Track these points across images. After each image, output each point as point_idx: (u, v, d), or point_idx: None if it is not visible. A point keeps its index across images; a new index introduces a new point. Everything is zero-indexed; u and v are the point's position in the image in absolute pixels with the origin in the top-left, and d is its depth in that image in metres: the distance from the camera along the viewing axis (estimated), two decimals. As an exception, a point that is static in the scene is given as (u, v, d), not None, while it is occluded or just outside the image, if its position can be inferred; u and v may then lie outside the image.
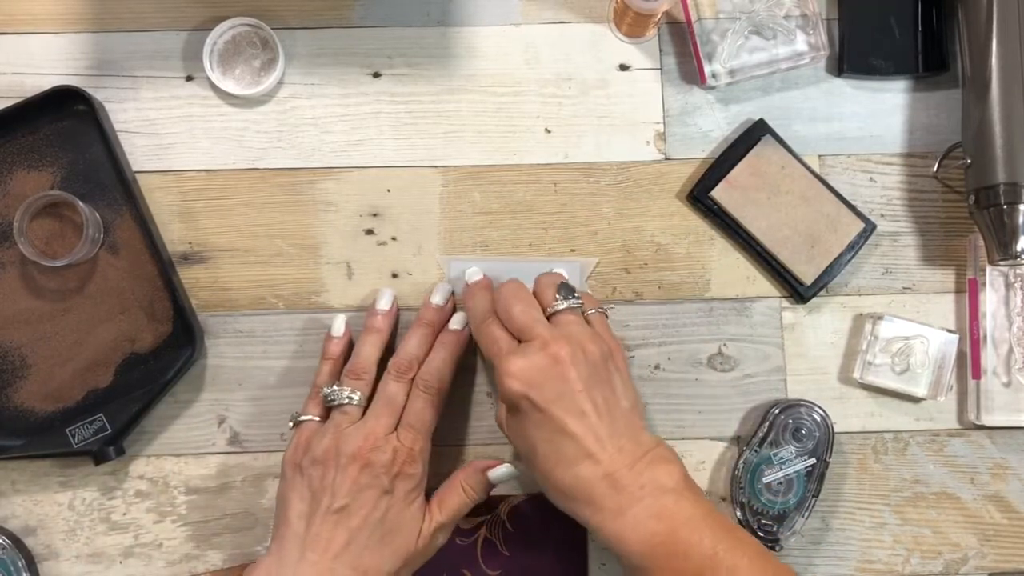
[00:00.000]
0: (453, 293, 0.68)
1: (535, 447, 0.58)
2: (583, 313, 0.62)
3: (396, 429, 0.62)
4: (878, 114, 0.72)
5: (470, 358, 0.69)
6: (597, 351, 0.59)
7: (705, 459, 0.70)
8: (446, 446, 0.69)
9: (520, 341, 0.60)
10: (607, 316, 0.66)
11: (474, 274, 0.66)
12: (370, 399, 0.63)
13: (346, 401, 0.62)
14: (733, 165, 0.70)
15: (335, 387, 0.63)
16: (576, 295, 0.62)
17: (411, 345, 0.65)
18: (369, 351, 0.65)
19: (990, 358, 0.69)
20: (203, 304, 0.69)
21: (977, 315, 0.70)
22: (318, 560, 0.58)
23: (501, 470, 0.64)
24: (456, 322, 0.67)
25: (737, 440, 0.70)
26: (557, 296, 0.61)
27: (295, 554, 0.59)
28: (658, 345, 0.70)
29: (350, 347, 0.67)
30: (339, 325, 0.67)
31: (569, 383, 0.57)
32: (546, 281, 0.63)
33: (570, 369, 0.57)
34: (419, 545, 0.61)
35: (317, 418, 0.64)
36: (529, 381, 0.57)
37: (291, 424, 0.64)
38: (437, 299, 0.67)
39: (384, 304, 0.67)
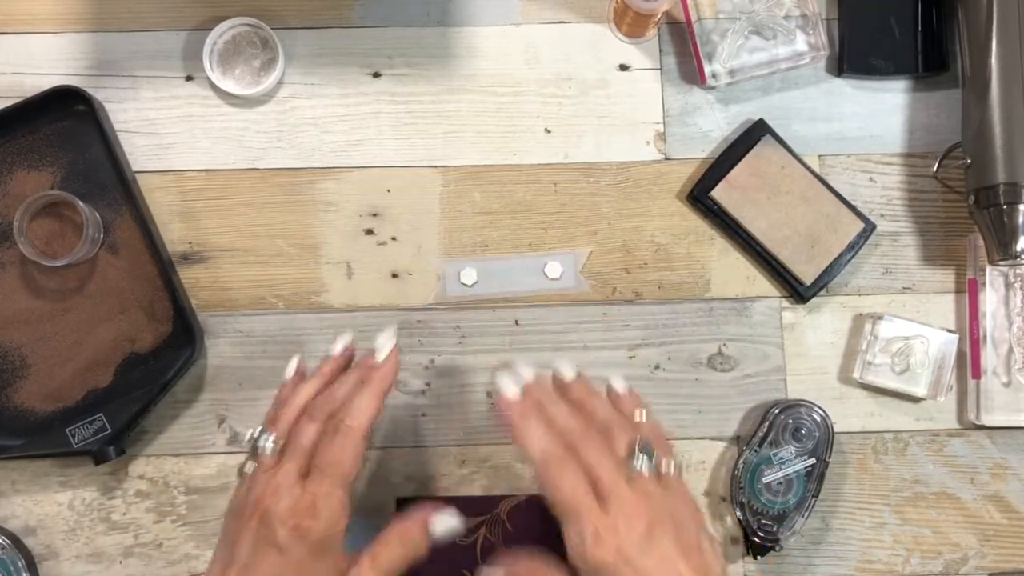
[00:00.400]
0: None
1: None
2: (660, 471, 0.56)
3: (312, 476, 0.55)
4: (878, 114, 0.72)
5: (468, 357, 0.69)
6: (683, 514, 0.54)
7: (705, 459, 0.70)
8: (445, 446, 0.69)
9: (596, 494, 0.53)
10: (682, 469, 0.59)
11: (508, 387, 0.57)
12: None
13: (260, 445, 0.56)
14: (733, 165, 0.70)
15: (258, 429, 0.57)
16: (651, 451, 0.55)
17: (336, 388, 0.58)
18: (299, 394, 0.59)
19: (990, 358, 0.69)
20: (203, 304, 0.69)
21: (977, 315, 0.70)
22: None
23: (445, 521, 0.57)
24: (381, 351, 0.59)
25: (737, 440, 0.70)
26: (637, 454, 0.54)
27: None
28: (658, 345, 0.70)
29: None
30: (290, 368, 0.62)
31: (662, 552, 0.52)
32: (620, 425, 0.56)
33: (662, 536, 0.52)
34: None
35: (255, 464, 0.57)
36: (626, 551, 0.51)
37: (238, 480, 0.59)
38: (381, 356, 0.60)
39: (335, 349, 0.62)
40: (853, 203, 0.70)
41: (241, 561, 0.53)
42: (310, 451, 0.56)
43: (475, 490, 0.68)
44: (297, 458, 0.55)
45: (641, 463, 0.54)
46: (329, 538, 0.54)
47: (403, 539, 0.56)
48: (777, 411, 0.68)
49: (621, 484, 0.53)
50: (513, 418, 0.56)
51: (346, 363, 0.62)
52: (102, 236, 0.68)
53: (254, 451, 0.56)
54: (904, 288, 0.71)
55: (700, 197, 0.70)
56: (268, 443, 0.56)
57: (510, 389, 0.57)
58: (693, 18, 0.70)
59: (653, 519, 0.53)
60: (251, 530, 0.53)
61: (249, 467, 0.57)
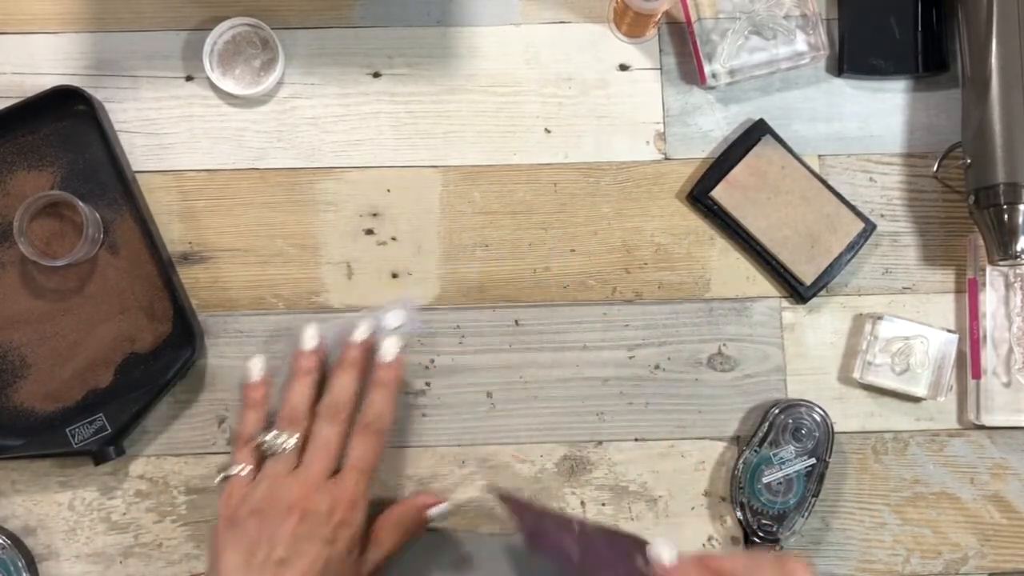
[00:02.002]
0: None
1: None
2: None
3: (336, 473, 0.60)
4: (878, 114, 0.72)
5: (468, 357, 0.69)
6: None
7: (705, 459, 0.70)
8: (444, 447, 0.69)
9: None
10: None
11: (665, 552, 0.54)
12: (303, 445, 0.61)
13: (281, 449, 0.60)
14: (733, 165, 0.70)
15: (272, 434, 0.60)
16: None
17: (340, 386, 0.62)
18: (302, 394, 0.62)
19: (990, 358, 0.69)
20: (203, 304, 0.69)
21: (977, 315, 0.70)
22: None
23: (442, 508, 0.62)
24: (388, 353, 0.64)
25: (737, 440, 0.70)
26: None
27: None
28: (658, 345, 0.70)
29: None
30: (255, 370, 0.64)
31: None
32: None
33: None
34: None
35: (250, 466, 0.61)
36: None
37: (219, 479, 0.61)
38: (358, 337, 0.64)
39: (310, 342, 0.64)
40: (853, 203, 0.70)
41: (279, 554, 0.56)
42: (337, 452, 0.60)
43: (475, 490, 0.68)
44: (328, 457, 0.60)
45: None
46: (360, 530, 0.60)
47: (403, 521, 0.62)
48: (777, 411, 0.68)
49: None
50: None
51: (322, 356, 0.65)
52: (102, 236, 0.68)
53: (273, 452, 0.60)
54: (904, 288, 0.71)
55: (700, 197, 0.70)
56: (291, 443, 0.60)
57: (667, 553, 0.54)
58: (693, 18, 0.70)
59: None
60: (289, 527, 0.57)
61: (236, 470, 0.60)
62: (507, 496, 0.64)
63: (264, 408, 0.63)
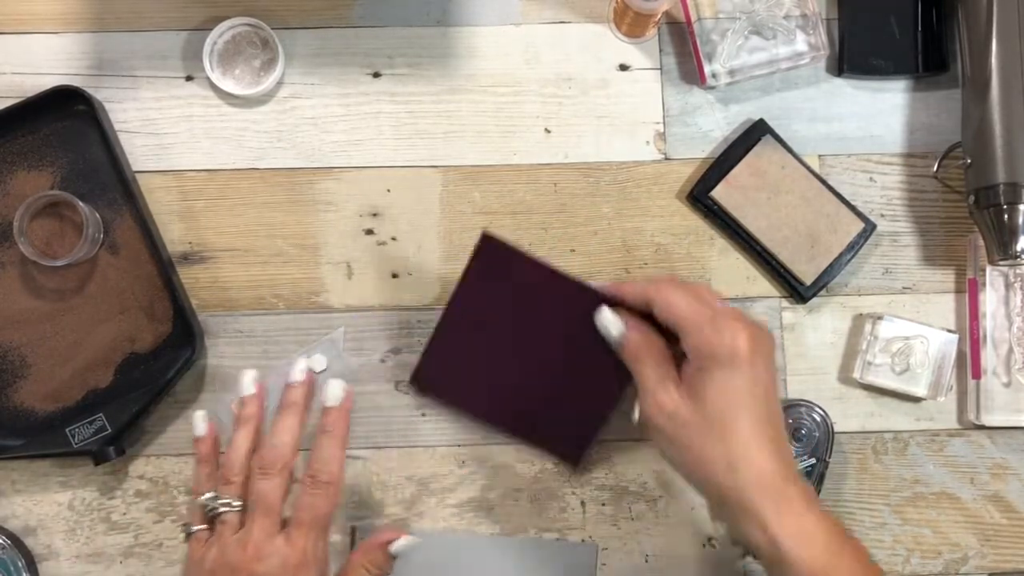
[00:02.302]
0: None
1: (741, 405, 0.56)
2: None
3: (285, 528, 0.57)
4: (878, 114, 0.72)
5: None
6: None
7: (705, 459, 0.69)
8: (444, 447, 0.69)
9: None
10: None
11: (336, 392, 0.59)
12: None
13: (223, 509, 0.57)
14: (733, 165, 0.70)
15: (210, 495, 0.57)
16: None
17: (277, 435, 0.58)
18: (239, 446, 0.59)
19: (990, 358, 0.69)
20: (203, 304, 0.69)
21: (977, 315, 0.70)
22: None
23: (403, 543, 0.59)
24: (332, 396, 0.60)
25: (737, 440, 0.70)
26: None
27: None
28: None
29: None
30: (200, 424, 0.61)
31: (767, 362, 0.57)
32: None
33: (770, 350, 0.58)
34: None
35: (204, 527, 0.58)
36: (753, 339, 0.56)
37: (183, 536, 0.60)
38: (297, 376, 0.61)
39: (248, 388, 0.61)
40: (853, 203, 0.70)
41: None
42: (279, 507, 0.57)
43: (475, 490, 0.68)
44: (269, 515, 0.56)
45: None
46: None
47: (368, 564, 0.59)
48: (777, 411, 0.68)
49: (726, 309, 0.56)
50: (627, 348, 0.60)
51: (262, 400, 0.62)
52: (102, 236, 0.68)
53: (213, 517, 0.57)
54: (904, 288, 0.71)
55: (700, 197, 0.70)
56: (232, 508, 0.57)
57: (337, 394, 0.59)
58: (693, 18, 0.70)
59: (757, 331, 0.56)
60: None
61: (197, 528, 0.58)
62: (491, 237, 0.62)
63: (212, 462, 0.60)
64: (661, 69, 0.72)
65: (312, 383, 0.62)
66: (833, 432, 0.68)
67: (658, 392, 0.57)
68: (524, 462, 0.69)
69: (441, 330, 0.65)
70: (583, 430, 0.66)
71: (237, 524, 0.57)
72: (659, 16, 0.68)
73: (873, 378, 0.69)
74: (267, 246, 0.70)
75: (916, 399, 0.70)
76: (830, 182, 0.70)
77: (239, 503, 0.57)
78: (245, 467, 0.58)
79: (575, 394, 0.65)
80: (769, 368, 0.56)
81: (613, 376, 0.62)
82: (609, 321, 0.60)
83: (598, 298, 0.61)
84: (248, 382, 0.61)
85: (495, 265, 0.63)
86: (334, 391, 0.60)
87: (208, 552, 0.56)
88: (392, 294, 0.70)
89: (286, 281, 0.70)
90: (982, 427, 0.70)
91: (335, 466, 0.58)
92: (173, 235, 0.69)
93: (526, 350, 0.65)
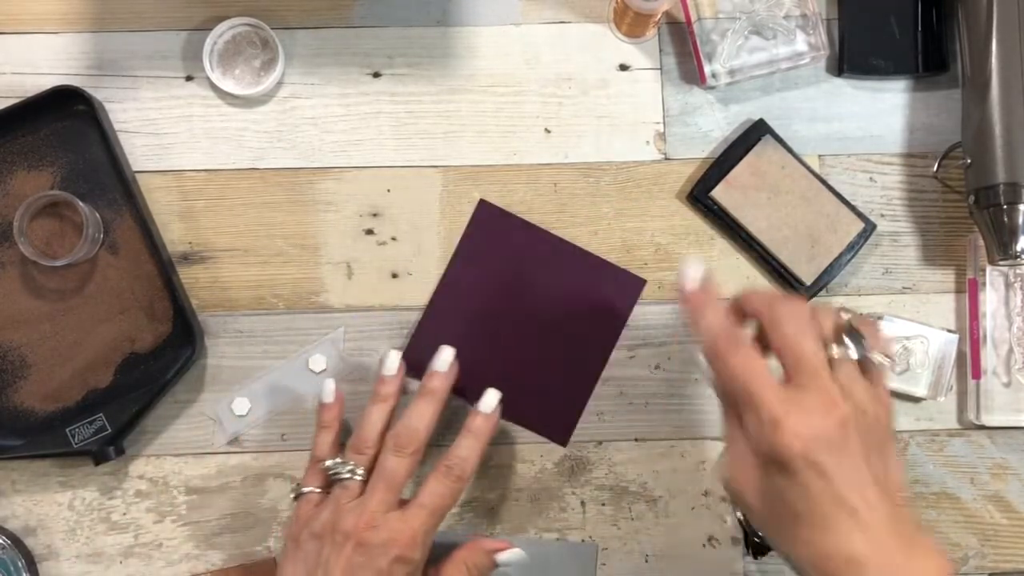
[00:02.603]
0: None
1: (799, 515, 0.48)
2: (868, 360, 0.52)
3: (402, 506, 0.59)
4: (878, 114, 0.72)
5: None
6: (880, 416, 0.50)
7: (705, 459, 0.70)
8: (445, 446, 0.69)
9: (787, 375, 0.50)
10: (890, 370, 0.55)
11: (692, 268, 0.55)
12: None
13: (347, 476, 0.59)
14: (733, 165, 0.70)
15: (337, 460, 0.60)
16: (865, 342, 0.51)
17: (413, 417, 0.61)
18: (374, 422, 0.61)
19: (990, 358, 0.69)
20: (203, 304, 0.69)
21: (977, 315, 0.70)
22: None
23: (512, 555, 0.61)
24: (488, 405, 0.62)
25: (737, 440, 0.70)
26: (846, 342, 0.51)
27: None
28: (658, 345, 0.70)
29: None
30: (328, 391, 0.64)
31: (852, 453, 0.48)
32: (830, 315, 0.52)
33: (854, 435, 0.48)
34: None
35: (318, 490, 0.61)
36: (815, 443, 0.47)
37: (292, 496, 0.62)
38: (442, 366, 0.63)
39: (391, 369, 0.63)
40: (853, 203, 0.70)
41: None
42: (402, 487, 0.59)
43: (475, 490, 0.68)
44: (392, 491, 0.59)
45: (849, 349, 0.50)
46: (419, 569, 0.58)
47: (470, 564, 0.60)
48: (777, 411, 0.68)
49: (824, 373, 0.49)
50: (695, 305, 0.53)
51: (402, 382, 0.64)
52: (102, 236, 0.68)
53: (332, 482, 0.60)
54: (904, 288, 0.71)
55: (700, 197, 0.70)
56: (356, 477, 0.59)
57: (693, 270, 0.54)
58: (693, 18, 0.70)
59: (849, 414, 0.48)
60: (344, 555, 0.56)
61: (305, 491, 0.61)
62: (487, 202, 0.64)
63: (335, 429, 0.63)
64: (661, 69, 0.72)
65: (455, 376, 0.64)
66: (833, 432, 0.68)
67: (732, 468, 0.51)
68: (524, 462, 0.69)
69: (431, 308, 0.67)
70: (570, 404, 0.68)
71: (356, 493, 0.59)
72: (659, 16, 0.68)
73: (873, 378, 0.69)
74: (267, 246, 0.70)
75: (916, 399, 0.70)
76: (830, 182, 0.70)
77: (363, 473, 0.60)
78: (377, 442, 0.61)
79: (563, 366, 0.67)
80: (843, 456, 0.48)
81: (600, 346, 0.63)
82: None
83: (593, 263, 0.62)
84: (392, 363, 0.63)
85: (490, 231, 0.64)
86: (490, 400, 0.63)
87: (319, 514, 0.59)
88: (392, 294, 0.70)
89: (286, 281, 0.70)
90: (982, 427, 0.70)
91: (469, 466, 0.60)
92: (173, 235, 0.69)
93: (516, 319, 0.67)
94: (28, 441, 0.66)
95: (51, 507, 0.68)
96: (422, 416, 0.61)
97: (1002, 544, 0.70)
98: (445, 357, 0.63)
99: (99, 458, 0.65)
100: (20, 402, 0.67)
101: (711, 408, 0.70)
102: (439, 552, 0.61)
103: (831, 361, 0.50)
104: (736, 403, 0.50)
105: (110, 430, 0.65)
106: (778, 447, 0.48)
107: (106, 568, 0.67)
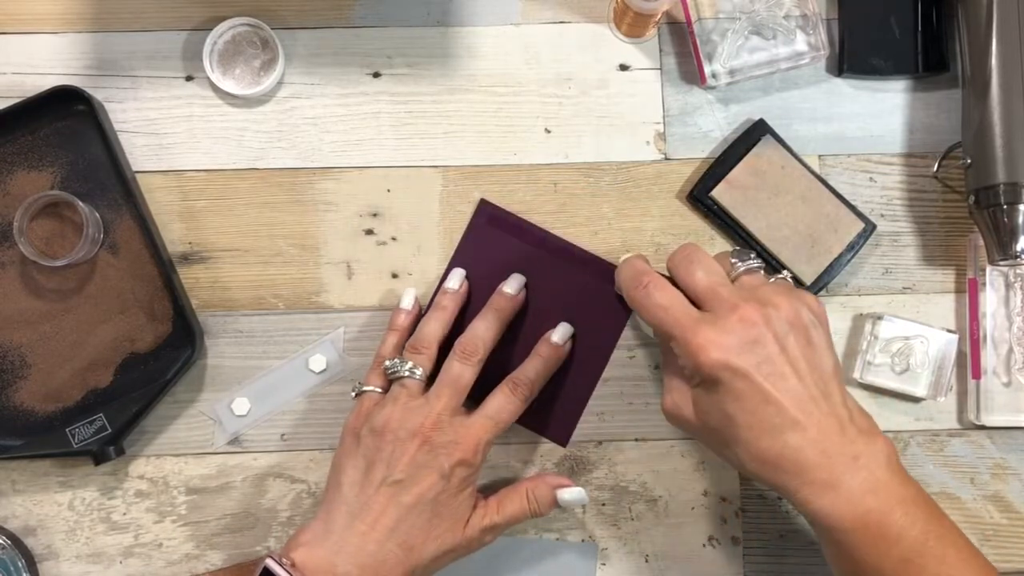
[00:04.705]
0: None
1: (734, 419, 0.54)
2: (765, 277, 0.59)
3: (468, 413, 0.61)
4: (878, 114, 0.72)
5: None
6: (790, 308, 0.55)
7: (705, 459, 0.70)
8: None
9: (699, 308, 0.56)
10: (789, 281, 0.60)
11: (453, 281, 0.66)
12: (432, 377, 0.62)
13: (407, 375, 0.61)
14: (733, 165, 0.70)
15: (397, 360, 0.62)
16: (754, 256, 0.59)
17: (480, 328, 0.63)
18: (433, 327, 0.64)
19: (990, 358, 0.69)
20: (203, 304, 0.69)
21: (977, 315, 0.70)
22: (367, 531, 0.57)
23: (573, 494, 0.62)
24: (559, 336, 0.66)
25: (737, 440, 0.70)
26: (733, 260, 0.58)
27: (343, 521, 0.58)
28: (658, 345, 0.70)
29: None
30: (408, 298, 0.67)
31: (766, 346, 0.53)
32: (717, 255, 0.59)
33: (765, 330, 0.53)
34: (465, 535, 0.60)
35: (379, 390, 0.62)
36: (727, 348, 0.53)
37: (353, 394, 0.63)
38: (511, 289, 0.66)
39: (454, 283, 0.66)
40: (853, 203, 0.70)
41: (396, 476, 0.58)
42: (465, 393, 0.61)
43: (475, 490, 0.69)
44: (457, 395, 0.60)
45: (738, 264, 0.58)
46: (475, 476, 0.60)
47: (532, 495, 0.62)
48: (777, 411, 0.68)
49: (723, 288, 0.56)
50: (622, 267, 0.61)
51: (463, 300, 0.67)
52: (102, 236, 0.68)
53: (398, 377, 0.61)
54: (904, 288, 0.71)
55: (700, 197, 0.70)
56: (416, 376, 0.61)
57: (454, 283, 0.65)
58: (693, 18, 0.70)
59: (756, 315, 0.54)
60: (408, 452, 0.58)
61: (367, 389, 0.62)
62: (488, 204, 0.67)
63: (404, 335, 0.65)
64: (661, 69, 0.72)
65: (522, 301, 0.66)
66: (833, 432, 0.68)
67: (670, 396, 0.59)
68: (524, 462, 0.69)
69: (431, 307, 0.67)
70: (571, 404, 0.68)
71: (417, 393, 0.61)
72: (659, 16, 0.68)
73: (873, 378, 0.69)
74: (267, 246, 0.70)
75: (916, 399, 0.70)
76: (830, 182, 0.70)
77: (422, 374, 0.61)
78: (434, 345, 0.63)
79: (563, 365, 0.67)
80: (764, 364, 0.53)
81: (600, 346, 0.63)
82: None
83: (594, 262, 0.64)
84: (456, 279, 0.66)
85: (491, 230, 0.65)
86: (564, 331, 0.66)
87: (380, 410, 0.60)
88: (392, 294, 0.70)
89: (286, 281, 0.70)
90: (982, 427, 0.70)
91: (535, 386, 0.63)
92: (173, 235, 0.70)
93: (516, 318, 0.67)
94: (28, 441, 0.66)
95: (51, 507, 0.68)
96: (489, 328, 0.63)
97: (1002, 544, 0.70)
98: (515, 283, 0.66)
99: (99, 458, 0.65)
100: (20, 402, 0.67)
101: (711, 408, 0.70)
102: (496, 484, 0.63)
103: (732, 280, 0.57)
104: (665, 339, 0.57)
105: (110, 430, 0.65)
106: (700, 364, 0.54)
107: (106, 568, 0.67)
